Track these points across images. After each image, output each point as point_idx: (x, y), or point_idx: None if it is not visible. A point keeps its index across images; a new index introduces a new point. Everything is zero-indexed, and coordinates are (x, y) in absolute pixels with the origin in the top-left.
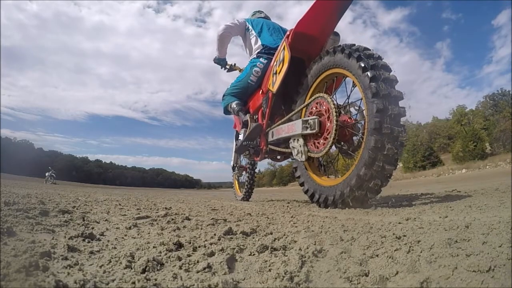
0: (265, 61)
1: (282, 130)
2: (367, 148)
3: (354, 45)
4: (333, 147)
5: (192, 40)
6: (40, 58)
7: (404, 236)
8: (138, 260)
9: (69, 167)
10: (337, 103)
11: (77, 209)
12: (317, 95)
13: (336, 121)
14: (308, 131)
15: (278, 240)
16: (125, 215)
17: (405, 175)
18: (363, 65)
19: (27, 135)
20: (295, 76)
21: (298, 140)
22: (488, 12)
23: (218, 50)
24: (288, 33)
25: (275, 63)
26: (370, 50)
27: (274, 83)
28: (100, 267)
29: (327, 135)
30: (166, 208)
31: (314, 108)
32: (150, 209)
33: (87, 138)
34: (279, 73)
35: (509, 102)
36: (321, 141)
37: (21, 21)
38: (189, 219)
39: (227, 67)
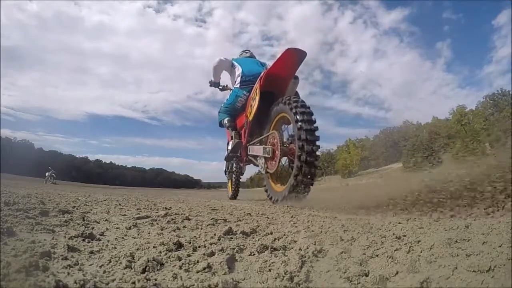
0: (247, 93)
1: (253, 149)
2: (295, 166)
3: (290, 97)
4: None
5: (192, 40)
6: (40, 58)
7: (404, 236)
8: (138, 260)
9: (69, 167)
10: (290, 134)
11: (77, 209)
12: (272, 131)
13: (280, 152)
14: (266, 155)
15: (278, 240)
16: (125, 215)
17: (405, 175)
18: (288, 109)
19: (27, 135)
20: (267, 105)
21: (261, 159)
22: (488, 12)
23: (213, 76)
24: (261, 75)
25: (252, 97)
26: (299, 98)
27: (250, 113)
28: (100, 267)
29: (275, 160)
30: (166, 208)
31: (271, 140)
32: (150, 209)
33: (87, 138)
34: (253, 107)
35: (509, 102)
36: (273, 162)
37: (21, 21)
38: (189, 219)
39: (220, 88)
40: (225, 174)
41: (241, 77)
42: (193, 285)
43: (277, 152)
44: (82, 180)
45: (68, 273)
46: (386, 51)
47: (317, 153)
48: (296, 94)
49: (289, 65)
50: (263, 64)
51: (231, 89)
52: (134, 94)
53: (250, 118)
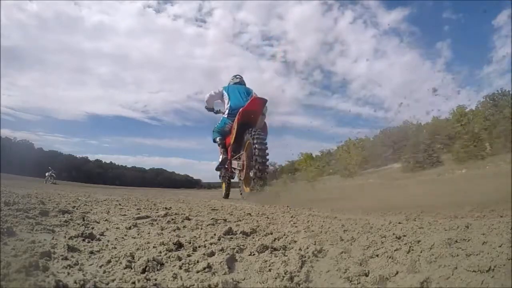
0: (232, 122)
1: (233, 163)
2: (253, 175)
3: (254, 131)
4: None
5: (192, 40)
6: (40, 58)
7: (404, 236)
8: (138, 260)
9: (69, 167)
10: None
11: (77, 209)
12: (242, 152)
13: (247, 166)
14: (239, 168)
15: (278, 240)
16: (125, 215)
17: (405, 175)
18: (251, 139)
19: (27, 135)
20: (244, 132)
21: (237, 170)
22: (488, 12)
23: (207, 104)
24: (239, 111)
25: (233, 126)
26: (259, 132)
27: (232, 138)
28: (100, 267)
29: (244, 171)
30: (166, 208)
31: (243, 158)
32: (150, 209)
33: (87, 138)
34: (233, 134)
35: (509, 102)
36: (243, 173)
37: (21, 21)
38: (189, 219)
39: (214, 112)
40: (219, 179)
41: (228, 110)
42: (193, 285)
43: (245, 166)
44: (82, 180)
45: (68, 273)
46: (386, 51)
47: (267, 164)
48: (264, 124)
49: (255, 107)
50: (249, 93)
51: (223, 113)
52: (134, 94)
53: (232, 141)
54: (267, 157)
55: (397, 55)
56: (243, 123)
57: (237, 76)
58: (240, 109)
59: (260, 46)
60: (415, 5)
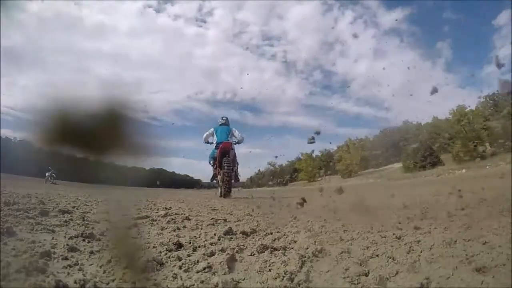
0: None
1: (218, 177)
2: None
3: (224, 160)
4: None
5: (192, 40)
6: (40, 58)
7: (404, 236)
8: (138, 260)
9: (69, 167)
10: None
11: (77, 209)
12: (221, 171)
13: (223, 179)
14: (219, 180)
15: (278, 240)
16: (125, 215)
17: (405, 175)
18: (223, 164)
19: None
20: (222, 158)
21: (218, 181)
22: (488, 12)
23: (204, 140)
24: (219, 147)
25: (217, 155)
26: (226, 159)
27: (217, 162)
28: (100, 267)
29: (220, 182)
30: (166, 208)
31: (221, 175)
32: (150, 209)
33: None
34: (217, 160)
35: (509, 102)
36: (221, 183)
37: (21, 21)
38: (189, 219)
39: (210, 143)
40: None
41: (216, 144)
42: (193, 285)
43: (221, 180)
44: (82, 180)
45: (68, 273)
46: (387, 51)
47: (234, 176)
48: (234, 156)
49: (226, 147)
50: (229, 131)
51: (214, 144)
52: (134, 94)
53: (217, 164)
54: (235, 171)
55: (397, 55)
56: (221, 154)
57: (223, 118)
58: (220, 146)
59: (260, 46)
60: (415, 5)
